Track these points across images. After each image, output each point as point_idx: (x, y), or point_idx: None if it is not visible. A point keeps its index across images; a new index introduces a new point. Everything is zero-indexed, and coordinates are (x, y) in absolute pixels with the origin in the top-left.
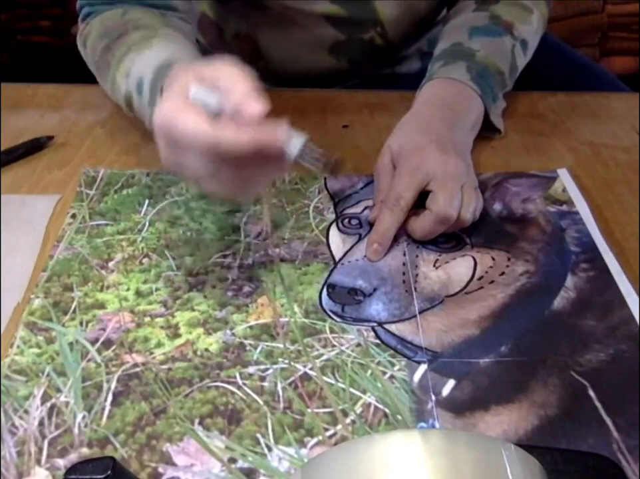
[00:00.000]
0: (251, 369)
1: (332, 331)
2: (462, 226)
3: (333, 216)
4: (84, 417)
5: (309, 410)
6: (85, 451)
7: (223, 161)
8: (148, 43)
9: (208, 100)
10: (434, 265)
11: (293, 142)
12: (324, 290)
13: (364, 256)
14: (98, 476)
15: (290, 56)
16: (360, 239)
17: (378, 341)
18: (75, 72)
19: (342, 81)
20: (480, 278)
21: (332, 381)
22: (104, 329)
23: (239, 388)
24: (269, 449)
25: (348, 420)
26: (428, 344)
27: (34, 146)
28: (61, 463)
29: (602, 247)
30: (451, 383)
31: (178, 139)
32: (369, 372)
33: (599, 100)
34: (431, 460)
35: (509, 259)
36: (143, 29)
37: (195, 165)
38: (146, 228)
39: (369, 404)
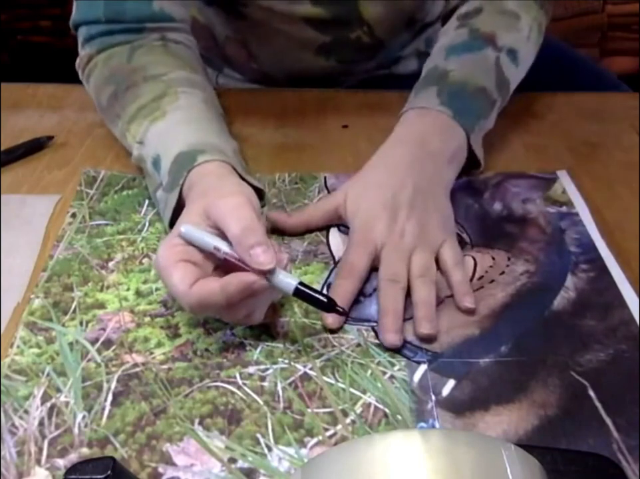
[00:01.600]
0: (251, 369)
1: (332, 331)
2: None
3: None
4: (84, 417)
5: (309, 410)
6: (85, 451)
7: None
8: (160, 110)
9: (198, 240)
10: None
11: (286, 283)
12: (325, 290)
13: None
14: (98, 476)
15: (280, 59)
16: None
17: (378, 341)
18: (75, 72)
19: (338, 81)
20: (480, 278)
21: (332, 381)
22: (104, 329)
23: (239, 388)
24: (269, 449)
25: (348, 420)
26: (428, 344)
27: (34, 146)
28: (61, 463)
29: (602, 247)
30: (451, 383)
31: (169, 290)
32: (369, 372)
33: (599, 100)
34: (431, 460)
35: (509, 259)
36: (152, 82)
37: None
38: (146, 228)
39: (369, 404)
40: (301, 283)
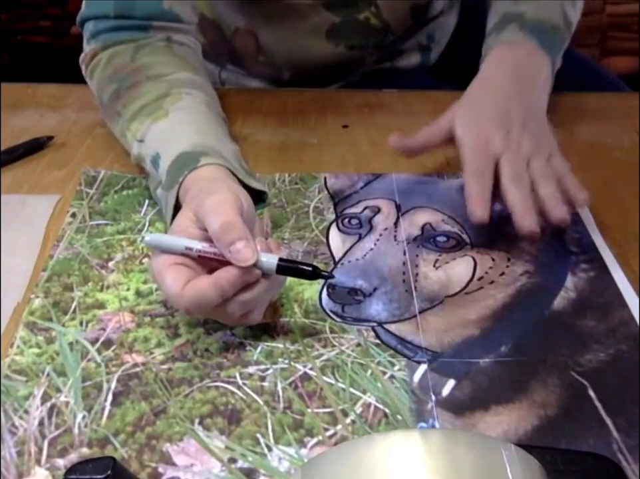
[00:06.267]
0: (251, 369)
1: (332, 331)
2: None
3: (333, 216)
4: (84, 417)
5: (309, 410)
6: (85, 451)
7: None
8: (162, 109)
9: (167, 246)
10: (434, 265)
11: (268, 262)
12: (324, 290)
13: (365, 255)
14: (98, 476)
15: (289, 47)
16: (360, 239)
17: (378, 341)
18: (75, 72)
19: (343, 72)
20: (480, 278)
21: (332, 381)
22: (104, 329)
23: (239, 388)
24: (269, 449)
25: (348, 420)
26: (428, 344)
27: (34, 146)
28: (61, 463)
29: (602, 247)
30: (451, 383)
31: (164, 295)
32: (369, 372)
33: (599, 100)
34: (431, 460)
35: (509, 260)
36: (155, 82)
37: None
38: (146, 228)
39: (369, 404)
40: (281, 259)
